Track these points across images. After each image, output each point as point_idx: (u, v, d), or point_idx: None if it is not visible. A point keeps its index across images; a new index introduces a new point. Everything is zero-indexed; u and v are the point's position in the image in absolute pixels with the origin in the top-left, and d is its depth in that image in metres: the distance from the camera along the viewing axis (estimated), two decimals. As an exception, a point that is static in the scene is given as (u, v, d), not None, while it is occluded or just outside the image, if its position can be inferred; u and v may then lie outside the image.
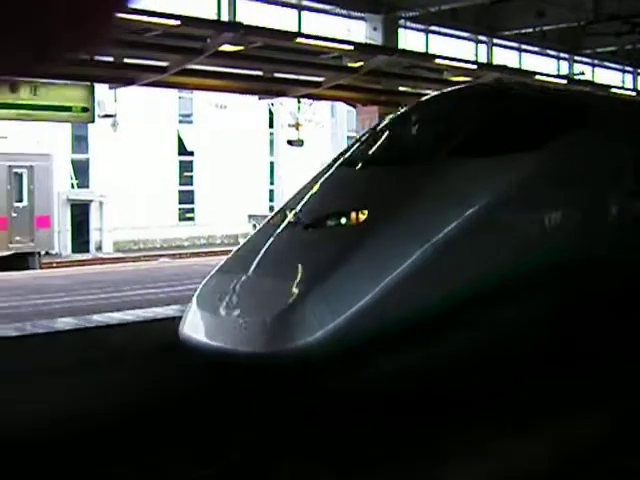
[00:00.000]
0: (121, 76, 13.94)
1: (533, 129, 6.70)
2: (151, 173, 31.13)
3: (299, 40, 14.30)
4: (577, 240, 6.58)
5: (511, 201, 6.19)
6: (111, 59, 13.92)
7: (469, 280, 5.72)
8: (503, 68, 18.03)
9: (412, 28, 18.44)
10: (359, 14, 17.02)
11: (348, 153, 7.03)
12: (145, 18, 12.42)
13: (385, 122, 7.54)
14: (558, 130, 6.71)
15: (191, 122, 33.96)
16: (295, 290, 5.33)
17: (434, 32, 19.36)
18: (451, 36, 19.92)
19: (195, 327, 5.61)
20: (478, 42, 20.63)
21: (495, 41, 20.77)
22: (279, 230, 6.07)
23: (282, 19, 16.31)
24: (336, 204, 6.03)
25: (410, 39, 18.14)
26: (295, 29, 16.22)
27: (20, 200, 21.72)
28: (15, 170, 21.58)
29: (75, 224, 28.96)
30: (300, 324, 5.17)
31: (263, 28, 13.67)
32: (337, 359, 5.18)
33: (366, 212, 5.70)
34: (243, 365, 5.23)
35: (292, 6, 16.63)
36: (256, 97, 16.51)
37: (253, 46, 13.56)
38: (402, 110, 7.77)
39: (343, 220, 5.76)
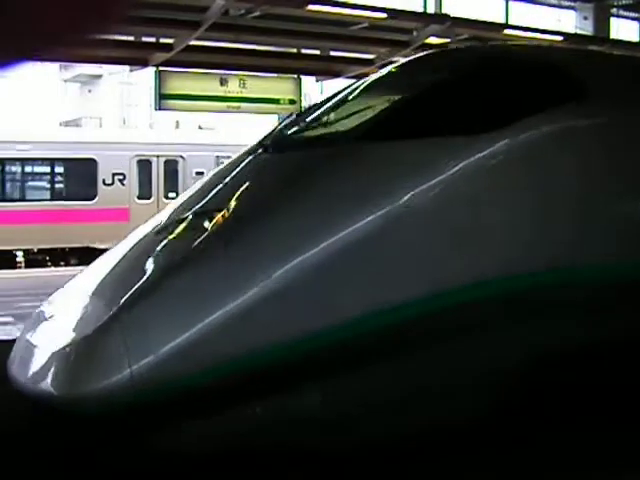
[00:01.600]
0: (328, 69, 14.24)
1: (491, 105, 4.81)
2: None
3: (507, 32, 13.97)
4: (550, 257, 4.50)
5: (427, 202, 4.31)
6: (317, 52, 14.27)
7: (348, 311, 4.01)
8: None
9: (625, 17, 17.49)
10: (569, 3, 16.39)
11: (270, 133, 5.37)
12: (352, 11, 12.63)
13: (330, 95, 5.74)
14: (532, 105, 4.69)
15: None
16: (108, 314, 3.88)
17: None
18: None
19: (12, 358, 4.35)
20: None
21: None
22: (137, 236, 4.75)
23: (489, 11, 15.99)
24: (203, 204, 4.66)
25: (623, 28, 17.22)
26: (502, 20, 15.85)
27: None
28: (222, 160, 22.70)
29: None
30: (103, 360, 3.75)
31: (470, 20, 13.48)
32: (155, 409, 3.77)
33: (228, 214, 4.32)
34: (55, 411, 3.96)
35: (499, -3, 16.27)
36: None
37: (459, 38, 13.41)
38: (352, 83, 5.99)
39: (199, 224, 4.35)
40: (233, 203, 4.41)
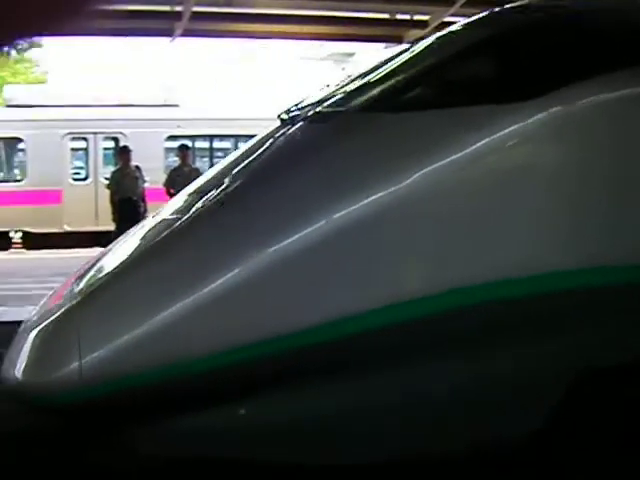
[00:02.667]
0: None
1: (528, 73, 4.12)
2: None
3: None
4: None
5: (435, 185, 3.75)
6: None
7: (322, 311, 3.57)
8: None
9: None
10: None
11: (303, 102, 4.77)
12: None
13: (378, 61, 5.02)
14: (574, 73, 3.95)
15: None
16: (77, 299, 3.75)
17: None
18: None
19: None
20: None
21: None
22: (150, 218, 4.57)
23: None
24: (207, 182, 4.43)
25: None
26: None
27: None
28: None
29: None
30: (56, 351, 3.59)
31: None
32: (102, 406, 3.53)
33: (218, 194, 3.98)
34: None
35: None
36: None
37: None
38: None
39: (193, 203, 4.07)
40: (229, 180, 4.11)
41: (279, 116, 4.66)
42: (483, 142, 3.74)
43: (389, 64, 4.58)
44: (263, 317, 3.60)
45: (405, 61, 4.57)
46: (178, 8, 11.20)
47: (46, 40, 27.63)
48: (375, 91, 4.28)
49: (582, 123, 3.88)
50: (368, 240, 3.71)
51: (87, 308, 3.69)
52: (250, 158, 4.31)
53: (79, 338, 3.50)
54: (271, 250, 3.59)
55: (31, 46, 31.73)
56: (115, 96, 17.66)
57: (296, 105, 4.68)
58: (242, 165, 4.27)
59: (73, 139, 17.52)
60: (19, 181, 17.51)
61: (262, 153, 4.30)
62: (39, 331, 3.72)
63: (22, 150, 17.80)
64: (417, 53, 4.65)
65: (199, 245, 3.79)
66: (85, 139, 17.57)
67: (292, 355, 3.56)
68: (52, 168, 16.74)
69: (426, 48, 4.70)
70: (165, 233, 3.96)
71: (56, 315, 3.73)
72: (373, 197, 3.64)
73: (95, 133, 17.34)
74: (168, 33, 12.14)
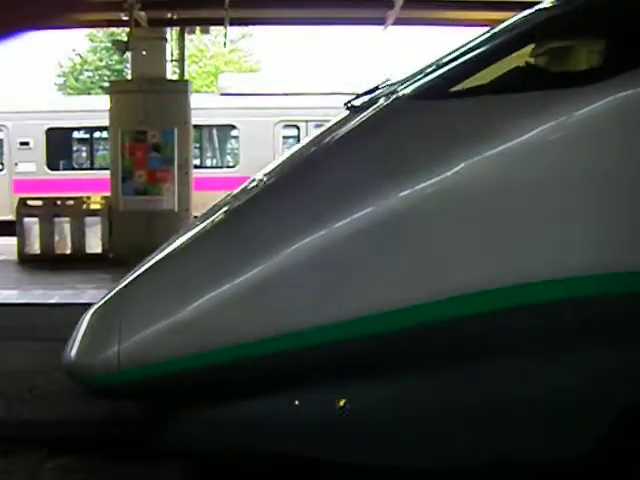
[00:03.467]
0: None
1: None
2: None
3: None
4: None
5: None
6: None
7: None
8: None
9: None
10: None
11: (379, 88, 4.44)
12: None
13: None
14: None
15: None
16: (128, 286, 3.91)
17: None
18: None
19: None
20: None
21: None
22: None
23: None
24: (274, 170, 4.26)
25: None
26: None
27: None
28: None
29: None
30: (100, 336, 3.73)
31: None
32: (138, 390, 3.71)
33: (263, 186, 4.00)
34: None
35: None
36: None
37: None
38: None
39: (253, 190, 4.08)
40: (286, 169, 4.15)
41: (345, 104, 4.58)
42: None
43: (457, 49, 4.31)
44: (307, 306, 3.57)
45: (469, 48, 4.28)
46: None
47: (257, 30, 28.62)
48: (430, 78, 4.10)
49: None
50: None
51: (129, 295, 3.87)
52: (311, 146, 4.31)
53: (120, 324, 3.64)
54: (313, 240, 3.52)
55: (243, 36, 33.04)
56: (327, 84, 17.86)
57: (360, 94, 4.57)
58: (302, 154, 4.27)
59: (285, 127, 17.96)
60: (232, 167, 18.22)
61: (320, 141, 4.26)
62: (91, 315, 3.89)
63: (235, 137, 18.46)
64: (482, 39, 4.36)
65: (238, 234, 3.80)
66: (297, 127, 17.96)
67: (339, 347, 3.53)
68: (264, 155, 17.26)
69: (488, 34, 4.39)
70: (212, 222, 4.03)
71: (105, 300, 3.92)
72: (428, 184, 3.51)
73: (306, 121, 17.65)
74: (380, 21, 12.06)
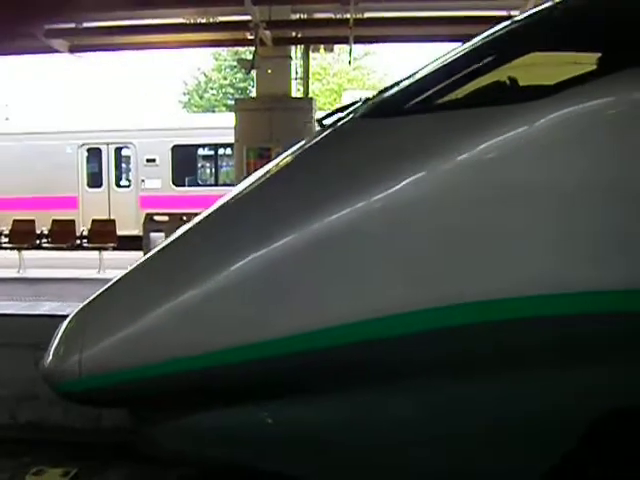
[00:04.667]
0: None
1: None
2: None
3: None
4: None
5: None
6: None
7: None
8: None
9: None
10: None
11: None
12: None
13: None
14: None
15: None
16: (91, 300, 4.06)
17: None
18: None
19: None
20: None
21: None
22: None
23: None
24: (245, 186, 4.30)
25: None
26: None
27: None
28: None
29: None
30: (67, 343, 3.87)
31: None
32: (100, 398, 3.89)
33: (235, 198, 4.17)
34: None
35: None
36: None
37: None
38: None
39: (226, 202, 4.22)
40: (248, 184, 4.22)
41: (318, 121, 4.58)
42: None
43: (418, 68, 4.31)
44: (244, 322, 3.61)
45: (426, 66, 4.29)
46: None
47: (381, 47, 28.61)
48: (385, 96, 4.16)
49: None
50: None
51: (94, 304, 3.98)
52: (275, 164, 4.30)
53: (84, 332, 3.81)
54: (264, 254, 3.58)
55: (366, 54, 33.11)
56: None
57: (332, 111, 4.56)
58: (264, 172, 4.28)
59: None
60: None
61: (284, 159, 4.27)
62: (66, 323, 4.02)
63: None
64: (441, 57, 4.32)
65: (194, 248, 3.93)
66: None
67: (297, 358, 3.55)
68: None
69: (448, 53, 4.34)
70: (173, 238, 4.16)
71: (78, 309, 4.04)
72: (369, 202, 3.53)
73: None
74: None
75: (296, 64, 13.89)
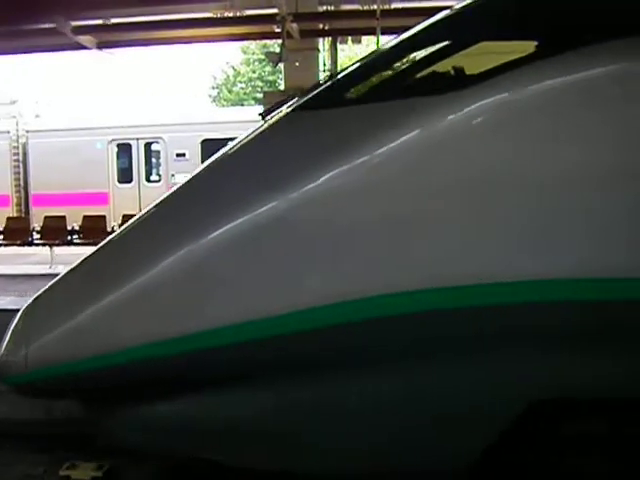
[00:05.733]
0: None
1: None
2: None
3: None
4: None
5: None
6: None
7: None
8: None
9: None
10: None
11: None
12: None
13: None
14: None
15: None
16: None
17: None
18: None
19: None
20: None
21: None
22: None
23: None
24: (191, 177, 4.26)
25: None
26: None
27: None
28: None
29: None
30: (14, 338, 4.03)
31: None
32: (46, 390, 4.04)
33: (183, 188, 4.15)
34: None
35: None
36: None
37: None
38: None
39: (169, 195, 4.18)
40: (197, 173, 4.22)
41: (260, 114, 4.72)
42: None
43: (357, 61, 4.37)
44: (183, 313, 3.66)
45: (364, 58, 4.34)
46: None
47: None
48: (319, 90, 4.16)
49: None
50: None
51: (42, 297, 4.11)
52: (218, 156, 4.31)
53: (30, 326, 3.97)
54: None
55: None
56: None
57: (275, 104, 4.58)
58: (207, 164, 4.30)
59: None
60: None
61: (227, 151, 4.30)
62: (19, 315, 4.14)
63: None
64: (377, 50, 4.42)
65: (132, 243, 4.02)
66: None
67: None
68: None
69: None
70: (121, 230, 4.29)
71: (25, 305, 4.16)
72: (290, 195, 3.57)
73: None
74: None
75: (324, 56, 13.80)
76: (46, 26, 11.92)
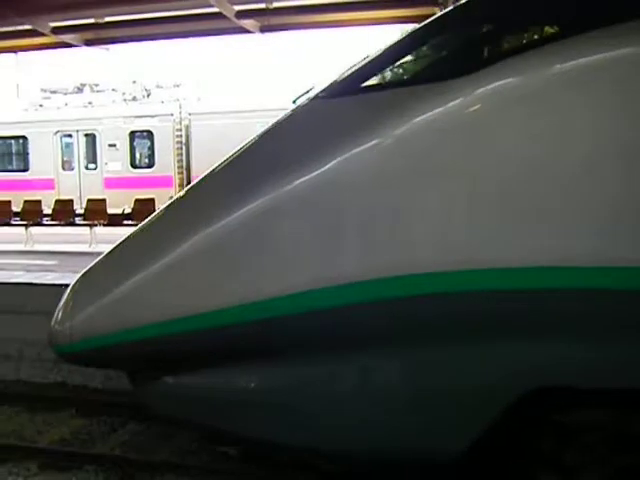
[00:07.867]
0: None
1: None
2: None
3: None
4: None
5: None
6: None
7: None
8: None
9: None
10: None
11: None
12: None
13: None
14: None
15: None
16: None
17: None
18: None
19: None
20: None
21: None
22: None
23: None
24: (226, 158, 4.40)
25: None
26: None
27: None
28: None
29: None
30: (62, 314, 4.34)
31: None
32: (89, 360, 4.48)
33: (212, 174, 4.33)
34: None
35: None
36: None
37: None
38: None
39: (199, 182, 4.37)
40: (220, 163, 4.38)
41: (293, 101, 4.77)
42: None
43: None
44: (203, 292, 3.91)
45: (381, 48, 4.39)
46: None
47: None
48: (333, 79, 4.26)
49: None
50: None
51: (87, 274, 4.44)
52: (247, 142, 4.43)
53: (74, 301, 4.30)
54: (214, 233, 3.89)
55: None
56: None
57: (304, 92, 4.66)
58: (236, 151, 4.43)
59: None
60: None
61: (255, 137, 4.41)
62: (66, 292, 4.45)
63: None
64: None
65: (162, 228, 4.29)
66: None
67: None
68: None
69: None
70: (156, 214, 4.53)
71: (74, 280, 4.47)
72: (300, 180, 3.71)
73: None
74: None
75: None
76: (210, 10, 12.14)
